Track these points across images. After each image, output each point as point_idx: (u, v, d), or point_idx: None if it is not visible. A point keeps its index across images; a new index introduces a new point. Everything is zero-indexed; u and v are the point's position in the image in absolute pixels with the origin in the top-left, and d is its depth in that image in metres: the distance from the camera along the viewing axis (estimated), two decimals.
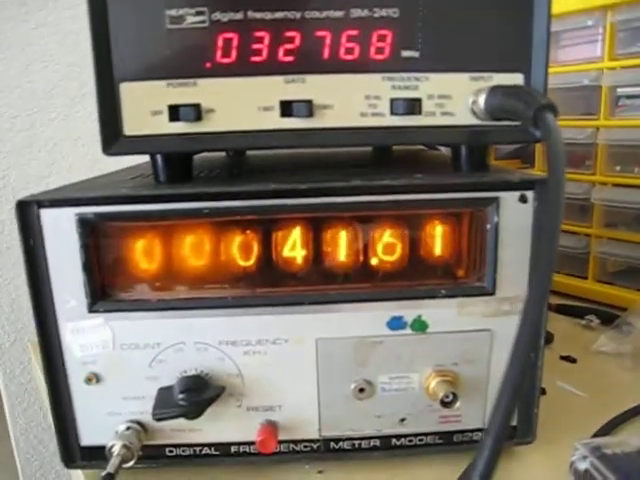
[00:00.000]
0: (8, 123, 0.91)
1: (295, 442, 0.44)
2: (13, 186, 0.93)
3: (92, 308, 0.40)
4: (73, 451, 0.43)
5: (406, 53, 0.39)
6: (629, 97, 0.74)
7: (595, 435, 0.47)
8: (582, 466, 0.39)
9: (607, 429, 0.48)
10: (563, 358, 0.63)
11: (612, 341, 0.63)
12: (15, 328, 0.97)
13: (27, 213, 0.39)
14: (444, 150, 0.65)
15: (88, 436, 0.43)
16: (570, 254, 0.80)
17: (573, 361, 0.62)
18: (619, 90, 0.73)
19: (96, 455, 0.43)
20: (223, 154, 0.66)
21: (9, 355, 0.98)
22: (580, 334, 0.69)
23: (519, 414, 0.45)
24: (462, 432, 0.45)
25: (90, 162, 0.95)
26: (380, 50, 0.39)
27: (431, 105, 0.40)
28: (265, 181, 0.41)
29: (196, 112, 0.38)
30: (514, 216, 0.40)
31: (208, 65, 0.38)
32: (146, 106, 0.39)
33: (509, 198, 0.40)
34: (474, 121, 0.40)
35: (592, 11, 0.72)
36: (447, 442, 0.45)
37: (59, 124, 0.92)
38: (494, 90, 0.37)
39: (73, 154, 0.94)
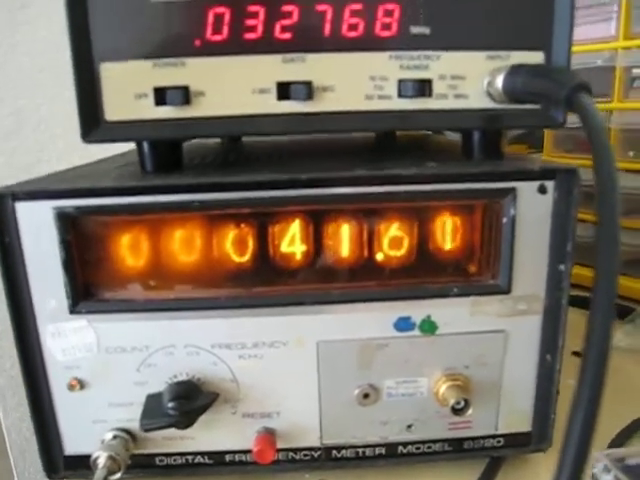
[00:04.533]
0: None
1: (294, 450, 0.41)
2: (1, 174, 0.89)
3: (74, 309, 0.37)
4: (56, 461, 0.40)
5: (415, 29, 0.35)
6: None
7: (612, 443, 0.44)
8: (606, 479, 0.36)
9: (624, 436, 0.45)
10: (575, 354, 0.60)
11: (628, 336, 0.60)
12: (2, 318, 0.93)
13: (1, 207, 0.35)
14: (450, 134, 0.62)
15: (72, 445, 0.40)
16: (580, 243, 0.77)
17: None
18: (634, 71, 0.70)
19: (81, 464, 0.40)
20: (217, 139, 0.63)
21: None
22: None
23: (534, 419, 0.42)
24: (473, 439, 0.42)
25: (82, 147, 0.91)
26: (387, 26, 0.35)
27: (443, 87, 0.36)
28: (262, 170, 0.37)
29: (184, 95, 0.35)
30: (532, 208, 0.37)
31: (197, 43, 0.35)
32: (129, 89, 0.35)
33: (527, 189, 0.37)
34: (490, 104, 0.36)
35: None
36: (457, 449, 0.42)
37: (48, 108, 0.89)
38: (515, 69, 0.34)
39: (63, 139, 0.91)
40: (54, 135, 0.89)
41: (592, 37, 0.71)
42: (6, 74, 0.86)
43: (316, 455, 0.41)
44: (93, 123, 0.35)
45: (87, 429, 0.39)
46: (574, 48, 0.71)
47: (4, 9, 0.84)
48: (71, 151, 0.90)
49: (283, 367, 0.39)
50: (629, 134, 0.70)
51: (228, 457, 0.41)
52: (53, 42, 0.85)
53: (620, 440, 0.45)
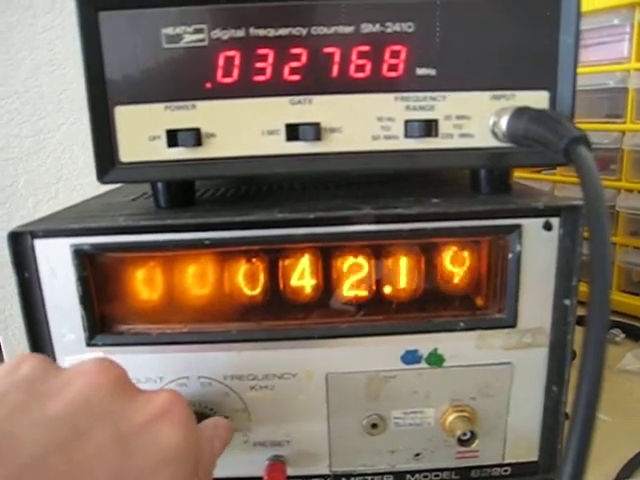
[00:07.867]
0: (16, 128, 0.89)
1: (304, 478, 0.42)
2: (22, 193, 0.91)
3: (91, 342, 0.38)
4: None
5: (421, 71, 0.36)
6: None
7: (621, 471, 0.44)
8: None
9: (635, 463, 0.45)
10: None
11: (638, 360, 0.60)
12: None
13: (20, 244, 0.37)
14: None
15: None
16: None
17: None
18: None
19: None
20: None
21: None
22: None
23: (541, 449, 0.42)
24: (480, 468, 0.43)
25: None
26: (393, 67, 0.36)
27: (448, 126, 0.37)
28: (272, 206, 0.38)
29: (196, 137, 0.36)
30: (537, 244, 0.37)
31: (208, 86, 0.36)
32: (143, 131, 0.36)
33: (533, 225, 0.37)
34: (495, 143, 0.37)
35: (619, 9, 0.69)
36: (464, 478, 0.43)
37: (68, 129, 0.90)
38: (518, 114, 0.34)
39: (83, 160, 0.92)
40: (73, 154, 0.91)
41: (604, 58, 0.71)
42: (28, 96, 0.88)
43: None
44: (108, 164, 0.37)
45: None
46: (587, 69, 0.71)
47: (25, 32, 0.86)
48: (90, 169, 0.92)
49: (293, 398, 0.40)
50: None
51: None
52: (72, 64, 0.87)
53: (629, 469, 0.45)
